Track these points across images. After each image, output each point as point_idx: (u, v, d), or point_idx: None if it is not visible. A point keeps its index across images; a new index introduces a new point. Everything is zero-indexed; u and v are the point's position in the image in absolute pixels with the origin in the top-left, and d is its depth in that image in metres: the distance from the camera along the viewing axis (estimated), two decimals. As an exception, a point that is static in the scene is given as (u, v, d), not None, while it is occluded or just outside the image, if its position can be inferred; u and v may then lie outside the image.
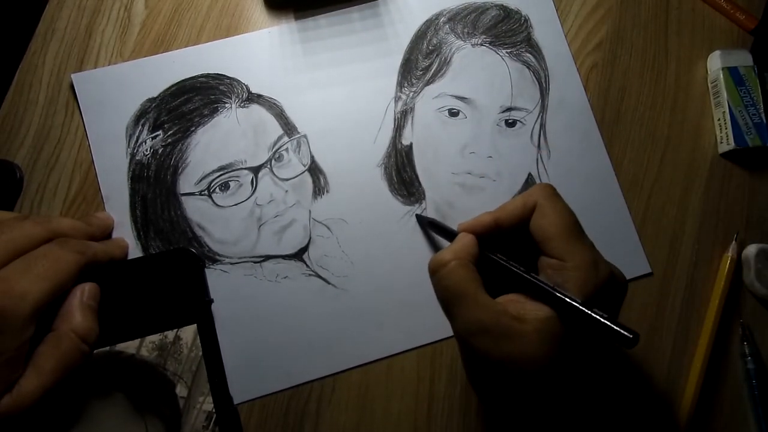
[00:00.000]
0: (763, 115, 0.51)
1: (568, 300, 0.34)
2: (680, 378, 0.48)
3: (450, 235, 0.44)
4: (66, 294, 0.39)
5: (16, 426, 0.36)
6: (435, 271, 0.39)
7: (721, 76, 0.52)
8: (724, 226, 0.51)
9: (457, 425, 0.46)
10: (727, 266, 0.49)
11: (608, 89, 0.53)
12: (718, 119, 0.52)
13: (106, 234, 0.47)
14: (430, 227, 0.48)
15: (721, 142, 0.52)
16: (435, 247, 0.49)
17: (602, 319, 0.33)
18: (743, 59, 0.52)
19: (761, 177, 0.52)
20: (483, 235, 0.41)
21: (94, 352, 0.42)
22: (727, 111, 0.51)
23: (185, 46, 0.51)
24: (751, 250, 0.50)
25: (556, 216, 0.38)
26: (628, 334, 0.32)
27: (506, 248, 0.40)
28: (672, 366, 0.48)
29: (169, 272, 0.45)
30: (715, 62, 0.53)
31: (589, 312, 0.33)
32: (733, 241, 0.50)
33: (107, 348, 0.43)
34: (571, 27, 0.54)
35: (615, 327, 0.33)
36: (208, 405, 0.43)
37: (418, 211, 0.49)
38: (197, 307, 0.45)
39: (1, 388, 0.35)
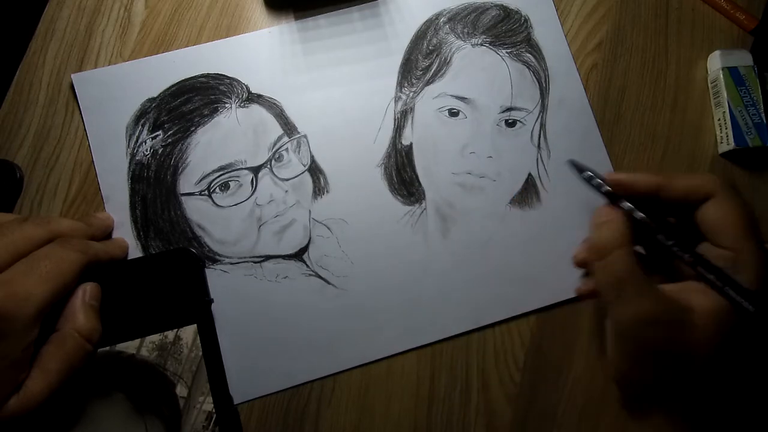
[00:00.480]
0: (763, 115, 0.51)
1: (740, 294, 0.34)
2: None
3: (598, 187, 0.40)
4: (69, 294, 0.39)
5: (22, 426, 0.36)
6: (600, 257, 0.37)
7: (721, 76, 0.51)
8: (724, 226, 0.51)
9: (457, 425, 0.46)
10: None
11: (608, 89, 0.53)
12: (718, 119, 0.52)
13: (106, 234, 0.47)
14: (580, 173, 0.42)
15: (721, 142, 0.52)
16: (436, 244, 0.49)
17: None
18: (743, 59, 0.52)
19: (761, 177, 0.52)
20: (637, 195, 0.39)
21: (94, 352, 0.43)
22: (727, 111, 0.51)
23: (185, 46, 0.51)
24: (751, 250, 0.49)
25: (734, 209, 0.37)
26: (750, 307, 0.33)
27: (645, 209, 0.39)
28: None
29: (169, 272, 0.45)
30: (715, 62, 0.52)
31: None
32: None
33: (108, 348, 0.43)
34: (571, 27, 0.54)
35: None
36: (208, 405, 0.43)
37: (418, 212, 0.49)
38: (197, 308, 0.45)
39: (8, 390, 0.35)
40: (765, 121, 0.51)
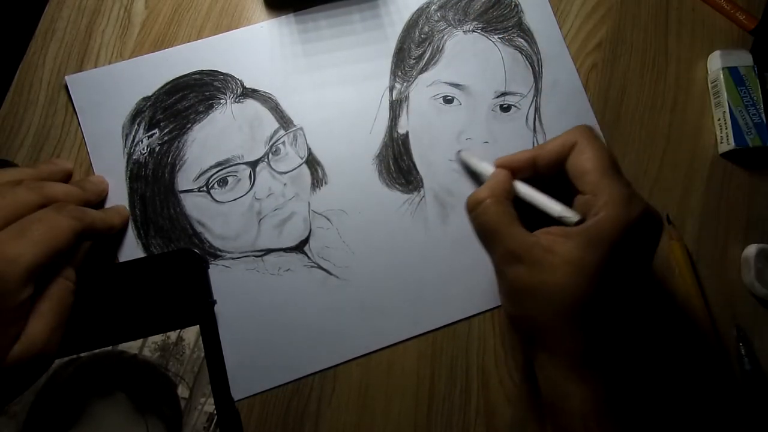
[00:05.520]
0: (763, 115, 0.51)
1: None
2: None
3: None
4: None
5: (33, 376, 0.37)
6: (472, 209, 0.41)
7: (721, 76, 0.52)
8: (724, 226, 0.51)
9: (457, 425, 0.46)
10: (679, 253, 0.49)
11: (608, 89, 0.53)
12: (718, 119, 0.52)
13: (101, 198, 0.47)
14: (465, 168, 0.50)
15: (721, 142, 0.52)
16: (436, 231, 0.49)
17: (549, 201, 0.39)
18: (743, 59, 0.52)
19: (761, 177, 0.52)
20: (520, 174, 0.42)
21: (96, 351, 0.43)
22: (727, 111, 0.51)
23: (185, 46, 0.51)
24: (751, 250, 0.50)
25: (592, 153, 0.39)
26: (572, 216, 0.37)
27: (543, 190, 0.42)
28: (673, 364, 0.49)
29: (172, 273, 0.45)
30: (715, 62, 0.53)
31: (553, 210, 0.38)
32: (670, 224, 0.50)
33: (110, 348, 0.43)
34: (571, 27, 0.54)
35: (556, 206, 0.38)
36: (210, 406, 0.43)
37: (417, 200, 0.50)
38: (200, 309, 0.45)
39: (8, 342, 0.35)
40: (765, 121, 0.51)
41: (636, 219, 0.36)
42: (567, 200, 0.40)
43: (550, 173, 0.41)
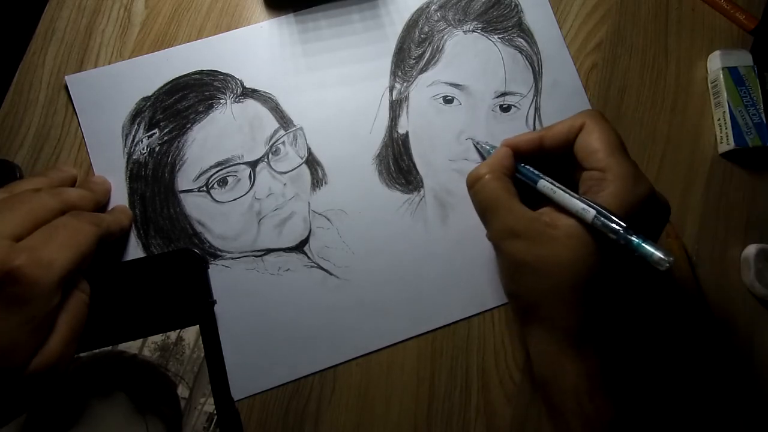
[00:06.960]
0: (763, 115, 0.51)
1: (585, 203, 0.36)
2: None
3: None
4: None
5: (45, 386, 0.37)
6: (471, 185, 0.42)
7: (721, 76, 0.52)
8: (724, 226, 0.51)
9: (457, 425, 0.46)
10: (679, 252, 0.49)
11: (608, 89, 0.53)
12: (718, 119, 0.52)
13: (108, 197, 0.48)
14: (478, 153, 0.51)
15: (721, 142, 0.52)
16: (436, 231, 0.49)
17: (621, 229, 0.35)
18: (743, 59, 0.52)
19: (761, 177, 0.52)
20: (526, 153, 0.43)
21: (96, 351, 0.43)
22: (727, 111, 0.51)
23: (185, 46, 0.51)
24: (751, 250, 0.50)
25: (601, 132, 0.39)
26: (663, 256, 0.33)
27: (548, 173, 0.42)
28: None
29: (172, 273, 0.45)
30: (715, 62, 0.53)
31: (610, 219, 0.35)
32: (669, 224, 0.50)
33: (109, 348, 0.43)
34: (571, 27, 0.54)
35: (648, 247, 0.34)
36: (210, 406, 0.43)
37: (417, 200, 0.50)
38: (200, 309, 0.45)
39: (31, 352, 0.35)
40: (765, 121, 0.51)
41: (643, 197, 0.37)
42: (568, 183, 0.40)
43: (556, 153, 0.42)
